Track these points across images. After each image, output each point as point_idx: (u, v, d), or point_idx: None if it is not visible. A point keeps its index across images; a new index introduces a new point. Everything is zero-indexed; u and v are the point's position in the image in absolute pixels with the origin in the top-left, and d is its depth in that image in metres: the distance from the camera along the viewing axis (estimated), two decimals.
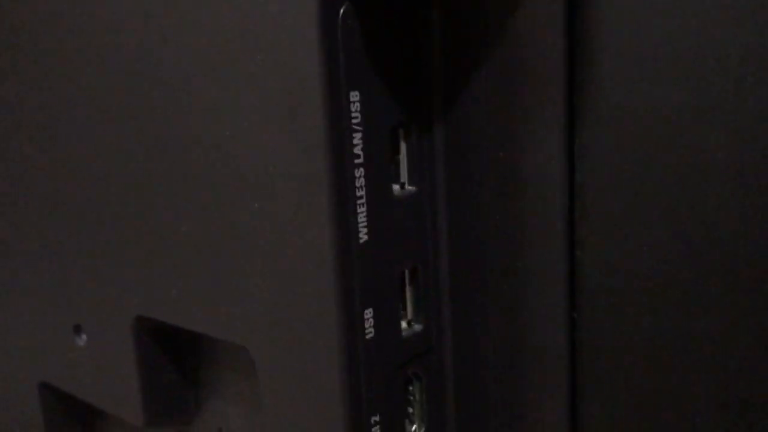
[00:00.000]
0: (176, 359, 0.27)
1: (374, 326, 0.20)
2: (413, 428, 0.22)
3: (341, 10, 0.18)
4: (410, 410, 0.22)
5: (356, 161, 0.19)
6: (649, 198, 0.18)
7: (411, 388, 0.22)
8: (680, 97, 0.17)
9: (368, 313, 0.20)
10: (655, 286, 0.18)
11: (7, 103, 0.29)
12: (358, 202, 0.19)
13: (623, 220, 0.18)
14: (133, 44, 0.22)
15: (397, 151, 0.21)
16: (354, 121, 0.19)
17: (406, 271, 0.21)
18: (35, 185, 0.29)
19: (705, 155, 0.17)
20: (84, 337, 0.29)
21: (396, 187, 0.21)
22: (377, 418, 0.20)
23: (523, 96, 0.20)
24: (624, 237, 0.18)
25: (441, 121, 0.21)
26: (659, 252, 0.18)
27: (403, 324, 0.22)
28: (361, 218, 0.19)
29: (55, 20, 0.25)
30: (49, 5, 0.25)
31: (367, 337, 0.20)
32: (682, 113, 0.17)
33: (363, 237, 0.19)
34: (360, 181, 0.19)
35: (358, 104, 0.19)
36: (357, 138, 0.19)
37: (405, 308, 0.22)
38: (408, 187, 0.21)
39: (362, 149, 0.19)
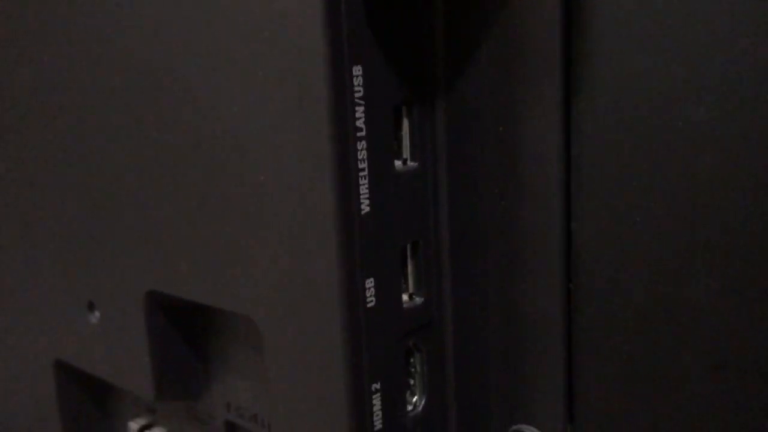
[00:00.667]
0: (186, 334, 0.28)
1: (375, 295, 0.20)
2: (414, 399, 0.23)
3: None
4: (411, 382, 0.23)
5: (358, 134, 0.20)
6: (643, 170, 0.18)
7: (412, 360, 0.23)
8: (673, 69, 0.18)
9: (369, 282, 0.20)
10: (649, 256, 0.19)
11: (27, 91, 0.30)
12: (360, 174, 0.20)
13: (618, 191, 0.19)
14: (140, 20, 0.23)
15: (399, 128, 0.22)
16: (357, 95, 0.19)
17: (408, 245, 0.22)
18: (48, 167, 0.29)
19: (697, 127, 0.17)
20: (97, 314, 0.29)
21: (398, 163, 0.21)
22: (378, 386, 0.21)
23: (521, 71, 0.20)
24: (618, 208, 0.19)
25: (443, 97, 0.22)
26: (652, 223, 0.18)
27: (405, 297, 0.22)
28: (363, 190, 0.20)
29: (58, 20, 0.26)
30: (50, 6, 0.26)
31: (368, 305, 0.20)
32: (675, 86, 0.18)
33: (365, 209, 0.20)
34: (362, 154, 0.20)
35: (360, 78, 0.19)
36: (359, 112, 0.20)
37: (407, 281, 0.22)
38: (410, 163, 0.22)
39: (364, 123, 0.20)
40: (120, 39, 0.24)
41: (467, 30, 0.21)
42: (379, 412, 0.21)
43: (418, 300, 0.22)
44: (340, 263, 0.19)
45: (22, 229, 0.32)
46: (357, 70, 0.19)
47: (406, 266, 0.22)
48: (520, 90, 0.20)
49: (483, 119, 0.21)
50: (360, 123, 0.20)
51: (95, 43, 0.25)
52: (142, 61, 0.24)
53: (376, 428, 0.21)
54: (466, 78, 0.21)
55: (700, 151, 0.17)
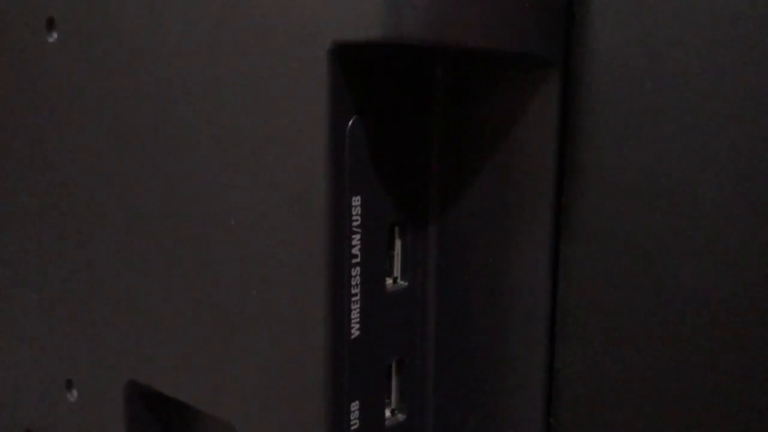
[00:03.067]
0: (165, 425, 0.28)
1: (359, 418, 0.21)
2: None
3: (350, 123, 0.19)
4: None
5: (353, 261, 0.20)
6: (626, 318, 0.19)
7: None
8: (662, 229, 0.18)
9: (354, 405, 0.21)
10: (631, 402, 0.19)
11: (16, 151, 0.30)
12: (353, 299, 0.20)
13: (600, 336, 0.20)
14: (155, 132, 0.24)
15: (391, 247, 0.22)
16: (354, 223, 0.20)
17: (393, 362, 0.22)
18: (40, 238, 0.30)
19: (684, 288, 0.18)
20: (75, 392, 0.29)
21: (389, 282, 0.22)
22: None
23: (513, 208, 0.21)
24: (600, 352, 0.20)
25: (436, 222, 0.22)
26: (636, 369, 0.19)
27: (387, 412, 0.22)
28: (354, 315, 0.20)
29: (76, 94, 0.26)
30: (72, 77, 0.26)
31: (352, 428, 0.21)
32: (662, 247, 0.18)
33: (354, 333, 0.20)
34: (356, 280, 0.20)
35: (359, 208, 0.20)
36: (356, 239, 0.20)
37: (389, 397, 0.23)
38: (400, 282, 0.22)
39: (360, 249, 0.20)
40: (125, 139, 0.25)
41: (462, 161, 0.22)
42: None
43: (401, 417, 0.23)
44: (326, 390, 0.20)
45: (9, 294, 0.32)
46: (356, 201, 0.20)
47: (390, 382, 0.23)
48: (510, 225, 0.21)
49: (473, 247, 0.22)
50: (356, 250, 0.20)
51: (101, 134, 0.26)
52: (148, 153, 0.24)
53: None
54: (459, 206, 0.22)
55: (686, 312, 0.18)
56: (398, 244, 0.22)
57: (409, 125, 0.21)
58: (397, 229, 0.22)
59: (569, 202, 0.20)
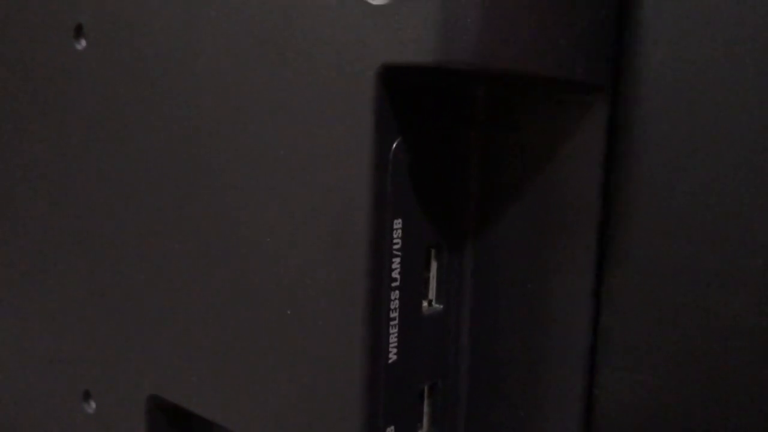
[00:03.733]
0: None
1: None
2: None
3: (394, 145, 0.19)
4: None
5: (393, 284, 0.20)
6: (668, 355, 0.19)
7: None
8: (712, 257, 0.18)
9: (390, 430, 0.20)
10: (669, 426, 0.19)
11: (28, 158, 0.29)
12: (391, 323, 0.20)
13: (643, 365, 0.19)
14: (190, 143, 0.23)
15: (427, 269, 0.22)
16: (395, 246, 0.20)
17: (426, 386, 0.22)
18: (58, 242, 0.29)
19: (727, 319, 0.18)
20: (93, 404, 0.29)
21: (424, 305, 0.22)
22: None
23: (554, 234, 0.20)
24: (642, 381, 0.19)
25: (473, 244, 0.22)
26: (676, 403, 0.19)
27: None
28: (392, 339, 0.20)
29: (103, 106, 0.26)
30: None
31: None
32: (712, 276, 0.18)
33: (392, 357, 0.20)
34: (394, 303, 0.20)
35: (400, 231, 0.20)
36: (396, 263, 0.20)
37: (421, 421, 0.22)
38: (435, 305, 0.22)
39: (399, 273, 0.20)
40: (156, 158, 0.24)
41: (502, 184, 0.21)
42: None
43: None
44: (363, 416, 0.19)
45: (26, 300, 0.32)
46: (398, 224, 0.20)
47: (422, 406, 0.22)
48: (551, 250, 0.21)
49: (511, 271, 0.21)
50: (395, 273, 0.20)
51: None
52: (187, 177, 0.24)
53: None
54: (496, 229, 0.22)
55: (733, 343, 0.18)
56: (434, 266, 0.22)
57: (450, 147, 0.21)
58: (433, 251, 0.22)
59: (614, 228, 0.19)
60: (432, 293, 0.22)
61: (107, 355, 0.28)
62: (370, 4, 0.18)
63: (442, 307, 0.22)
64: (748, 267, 0.18)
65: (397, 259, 0.20)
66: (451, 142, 0.21)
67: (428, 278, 0.22)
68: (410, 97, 0.19)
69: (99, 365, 0.28)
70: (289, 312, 0.21)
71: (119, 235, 0.26)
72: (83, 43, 0.27)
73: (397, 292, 0.20)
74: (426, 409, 0.22)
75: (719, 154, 0.18)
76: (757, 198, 0.17)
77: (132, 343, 0.26)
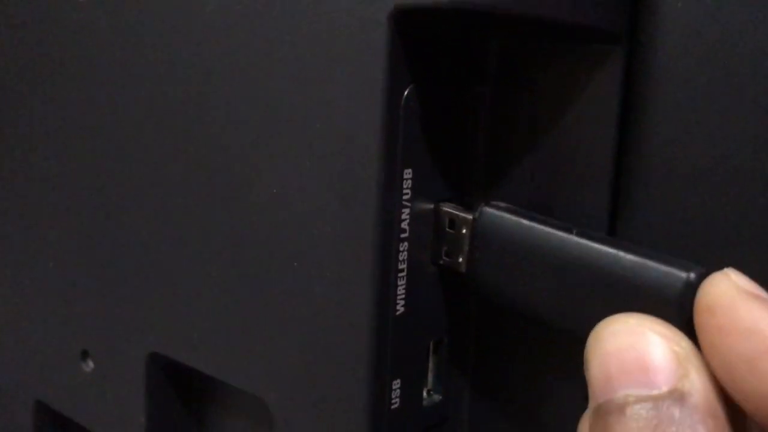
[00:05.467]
0: (185, 396, 0.27)
1: (400, 396, 0.20)
2: None
3: (406, 92, 0.19)
4: None
5: (402, 236, 0.19)
6: None
7: None
8: (725, 215, 0.18)
9: (396, 383, 0.20)
10: None
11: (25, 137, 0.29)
12: (399, 275, 0.20)
13: None
14: (198, 101, 0.23)
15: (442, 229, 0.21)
16: (405, 197, 0.19)
17: (431, 342, 0.22)
18: (58, 204, 0.29)
19: None
20: (91, 363, 0.29)
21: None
22: None
23: (566, 190, 0.20)
24: None
25: (482, 198, 0.22)
26: None
27: (424, 393, 0.22)
28: (400, 291, 0.20)
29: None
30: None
31: (393, 407, 0.20)
32: (725, 235, 0.18)
33: (400, 309, 0.20)
34: (403, 255, 0.20)
35: (410, 181, 0.19)
36: (405, 213, 0.19)
37: (426, 378, 0.22)
38: (444, 259, 0.22)
39: (408, 224, 0.20)
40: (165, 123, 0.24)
41: (514, 138, 0.21)
42: None
43: (437, 397, 0.22)
44: (371, 366, 0.19)
45: (26, 261, 0.31)
46: (407, 173, 0.19)
47: (428, 362, 0.22)
48: (563, 206, 0.20)
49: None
50: (404, 224, 0.19)
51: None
52: (193, 137, 0.23)
53: None
54: (508, 185, 0.21)
55: None
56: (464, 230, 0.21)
57: (463, 100, 0.21)
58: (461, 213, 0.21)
59: (627, 184, 0.19)
60: (455, 257, 0.22)
61: (105, 314, 0.27)
62: None
63: (450, 260, 0.22)
64: (764, 225, 0.18)
65: (407, 210, 0.19)
66: (463, 95, 0.21)
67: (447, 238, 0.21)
68: (424, 45, 0.19)
69: (97, 324, 0.28)
70: (295, 264, 0.21)
71: (118, 190, 0.26)
72: None
73: (405, 243, 0.20)
74: (431, 365, 0.22)
75: (737, 105, 0.18)
76: None
77: (131, 300, 0.26)
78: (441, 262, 0.20)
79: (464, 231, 0.20)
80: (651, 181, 0.19)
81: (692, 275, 0.16)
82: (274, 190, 0.21)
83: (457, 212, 0.20)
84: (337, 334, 0.20)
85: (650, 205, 0.19)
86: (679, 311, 0.16)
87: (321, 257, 0.20)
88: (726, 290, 0.15)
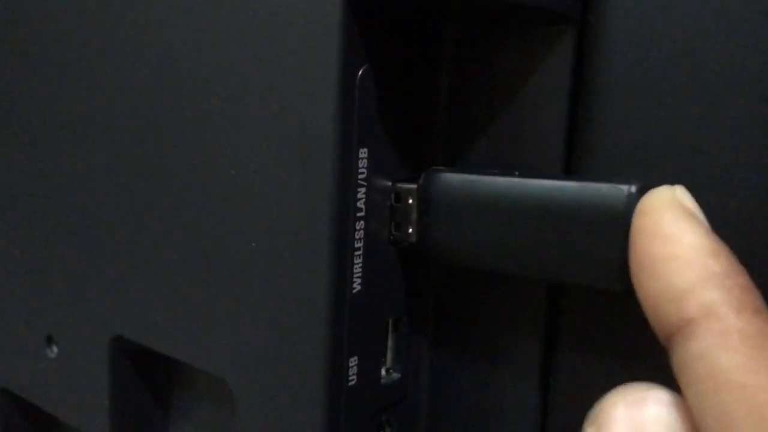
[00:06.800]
0: (149, 380, 0.27)
1: (357, 374, 0.20)
2: None
3: (360, 71, 0.19)
4: None
5: (358, 214, 0.20)
6: None
7: None
8: None
9: (353, 361, 0.20)
10: None
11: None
12: (356, 253, 0.20)
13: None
14: (158, 83, 0.23)
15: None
16: (360, 176, 0.19)
17: (390, 320, 0.22)
18: (19, 189, 0.29)
19: None
20: (55, 349, 0.29)
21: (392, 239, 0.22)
22: None
23: (522, 168, 0.21)
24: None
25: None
26: None
27: (382, 371, 0.22)
28: (357, 269, 0.20)
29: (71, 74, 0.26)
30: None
31: (350, 384, 0.20)
32: None
33: (356, 287, 0.20)
34: (359, 234, 0.20)
35: (365, 161, 0.20)
36: (361, 192, 0.20)
37: (385, 356, 0.22)
38: (395, 233, 0.22)
39: (365, 203, 0.20)
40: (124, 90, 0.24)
41: (471, 119, 0.21)
42: None
43: (396, 375, 0.22)
44: (327, 344, 0.19)
45: None
46: (363, 153, 0.19)
47: (387, 340, 0.22)
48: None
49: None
50: (360, 204, 0.20)
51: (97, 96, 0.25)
52: (153, 117, 0.23)
53: None
54: (466, 165, 0.22)
55: None
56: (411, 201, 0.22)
57: (419, 81, 0.21)
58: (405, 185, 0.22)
59: (578, 161, 0.20)
60: (405, 230, 0.22)
61: (69, 299, 0.27)
62: None
63: (410, 243, 0.22)
64: (710, 198, 0.18)
65: (363, 189, 0.20)
66: (420, 76, 0.21)
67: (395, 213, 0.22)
68: (378, 26, 0.19)
69: (61, 309, 0.28)
70: (253, 244, 0.21)
71: (78, 175, 0.26)
72: None
73: (362, 222, 0.20)
74: (390, 343, 0.22)
75: (685, 85, 0.18)
76: (722, 128, 0.18)
77: (94, 284, 0.26)
78: (391, 237, 0.21)
79: (411, 201, 0.20)
80: (600, 156, 0.19)
81: (633, 188, 0.16)
82: (232, 171, 0.21)
83: (401, 185, 0.20)
84: (294, 313, 0.20)
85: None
86: (624, 223, 0.16)
87: (278, 237, 0.20)
88: (663, 198, 0.15)
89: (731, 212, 0.17)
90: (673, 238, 0.14)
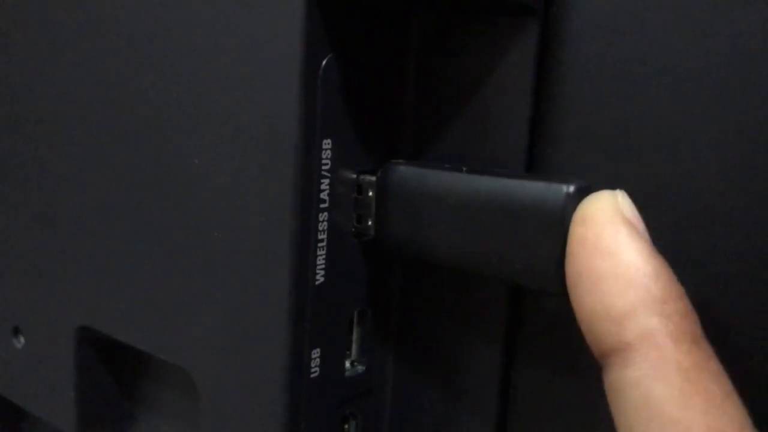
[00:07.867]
0: (115, 370, 0.27)
1: (320, 366, 0.20)
2: None
3: (323, 62, 0.19)
4: None
5: (321, 206, 0.20)
6: None
7: (347, 426, 0.23)
8: (637, 180, 0.18)
9: (315, 353, 0.20)
10: None
11: None
12: (318, 245, 0.20)
13: None
14: (124, 73, 0.23)
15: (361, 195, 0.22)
16: (324, 167, 0.19)
17: (355, 313, 0.22)
18: None
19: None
20: (22, 339, 0.28)
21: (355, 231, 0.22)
22: None
23: (486, 158, 0.20)
24: None
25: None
26: None
27: (347, 364, 0.22)
28: (320, 261, 0.20)
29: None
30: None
31: (312, 376, 0.20)
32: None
33: (319, 279, 0.20)
34: (323, 225, 0.20)
35: (329, 152, 0.19)
36: (324, 184, 0.19)
37: (350, 349, 0.22)
38: (356, 225, 0.22)
39: (328, 195, 0.20)
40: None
41: (436, 110, 0.21)
42: None
43: (360, 368, 0.22)
44: (289, 335, 0.19)
45: None
46: (327, 144, 0.19)
47: (351, 333, 0.22)
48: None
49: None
50: (324, 195, 0.20)
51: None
52: (118, 112, 0.23)
53: None
54: (431, 154, 0.21)
55: None
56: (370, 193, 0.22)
57: (384, 72, 0.21)
58: (366, 176, 0.22)
59: (541, 150, 0.20)
60: (365, 222, 0.22)
61: (35, 290, 0.27)
62: None
63: (374, 234, 0.22)
64: (674, 190, 0.18)
65: (326, 180, 0.20)
66: (385, 67, 0.21)
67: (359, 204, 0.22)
68: (344, 15, 0.19)
69: (28, 300, 0.28)
70: (216, 234, 0.21)
71: (42, 165, 0.25)
72: None
73: (325, 213, 0.20)
74: (355, 336, 0.22)
75: (647, 76, 0.18)
76: (685, 121, 0.18)
77: (60, 276, 0.26)
78: (353, 229, 0.20)
79: (371, 194, 0.20)
80: (563, 147, 0.19)
81: (571, 188, 0.16)
82: (196, 161, 0.21)
83: (363, 177, 0.20)
84: (257, 304, 0.20)
85: (562, 165, 0.19)
86: (561, 223, 0.16)
87: (241, 227, 0.20)
88: (604, 207, 0.15)
89: (694, 203, 0.18)
90: (614, 254, 0.14)
